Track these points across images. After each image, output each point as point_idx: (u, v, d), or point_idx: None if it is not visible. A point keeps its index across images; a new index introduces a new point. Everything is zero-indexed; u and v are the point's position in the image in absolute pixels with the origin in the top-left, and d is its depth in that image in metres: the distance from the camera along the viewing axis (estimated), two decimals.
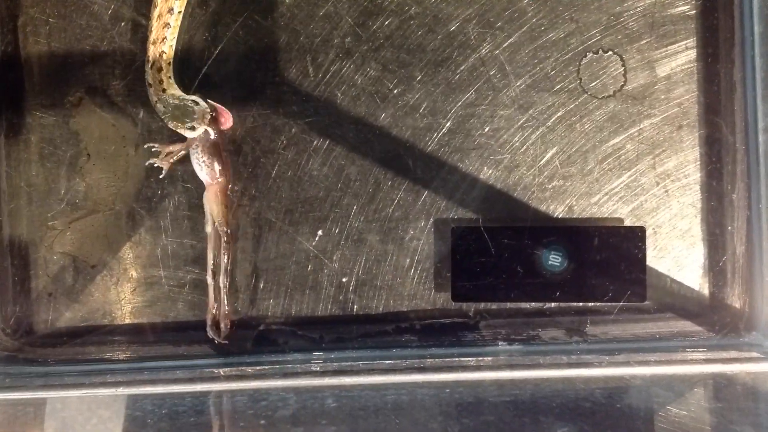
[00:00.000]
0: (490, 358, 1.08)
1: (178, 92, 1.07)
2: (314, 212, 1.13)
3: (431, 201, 1.12)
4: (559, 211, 1.12)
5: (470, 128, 1.12)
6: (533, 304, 1.11)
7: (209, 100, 1.07)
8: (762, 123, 1.05)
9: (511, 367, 1.06)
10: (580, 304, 1.10)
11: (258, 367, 1.08)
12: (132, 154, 1.11)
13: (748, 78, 1.07)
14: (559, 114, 1.12)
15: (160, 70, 1.09)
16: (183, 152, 1.09)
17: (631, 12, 1.12)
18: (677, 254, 1.11)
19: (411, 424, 0.97)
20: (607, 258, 1.08)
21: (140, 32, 1.11)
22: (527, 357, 1.08)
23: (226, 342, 1.10)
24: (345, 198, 1.13)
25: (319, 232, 1.13)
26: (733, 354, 1.06)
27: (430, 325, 1.12)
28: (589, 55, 1.12)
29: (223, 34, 1.12)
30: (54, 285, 1.12)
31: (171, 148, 1.10)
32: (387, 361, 1.08)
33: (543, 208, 1.12)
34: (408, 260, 1.12)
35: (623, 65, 1.12)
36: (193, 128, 1.05)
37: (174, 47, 1.11)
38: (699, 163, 1.11)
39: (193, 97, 1.06)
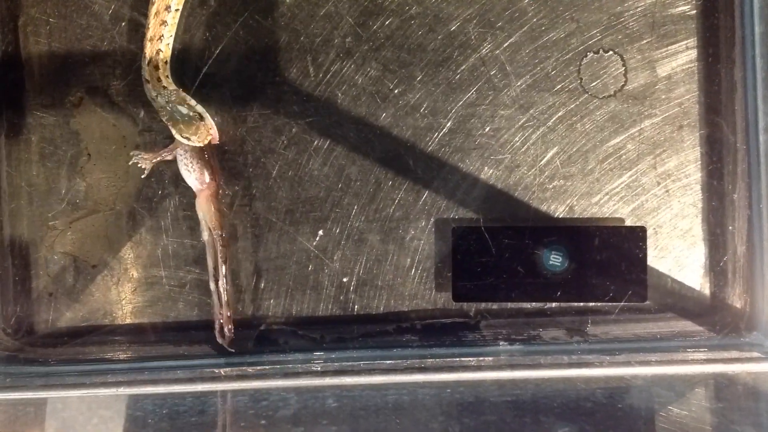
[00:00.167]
0: (491, 358, 1.08)
1: (189, 98, 1.06)
2: (315, 212, 1.12)
3: (432, 201, 1.12)
4: (559, 211, 1.12)
5: (471, 128, 1.12)
6: (534, 304, 1.11)
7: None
8: (762, 123, 1.05)
9: (512, 367, 1.06)
10: (581, 304, 1.10)
11: (259, 367, 1.08)
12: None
13: (748, 78, 1.07)
14: (559, 114, 1.12)
15: (156, 68, 1.09)
16: (168, 156, 1.09)
17: (631, 12, 1.11)
18: (678, 254, 1.11)
19: (412, 423, 0.97)
20: (608, 258, 1.08)
21: (141, 32, 1.11)
22: (528, 357, 1.08)
23: (232, 351, 1.09)
24: (346, 198, 1.13)
25: (320, 232, 1.13)
26: (734, 354, 1.06)
27: (430, 325, 1.12)
28: (590, 54, 1.12)
29: (223, 33, 1.12)
30: (55, 285, 1.12)
31: (157, 156, 1.09)
32: (388, 361, 1.08)
33: (544, 208, 1.12)
34: (409, 260, 1.12)
35: (624, 65, 1.12)
36: (188, 139, 1.04)
37: (171, 46, 1.11)
38: (700, 162, 1.11)
39: (201, 110, 1.06)
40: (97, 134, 1.12)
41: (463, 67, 1.12)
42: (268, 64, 1.12)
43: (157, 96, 1.08)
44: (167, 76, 1.09)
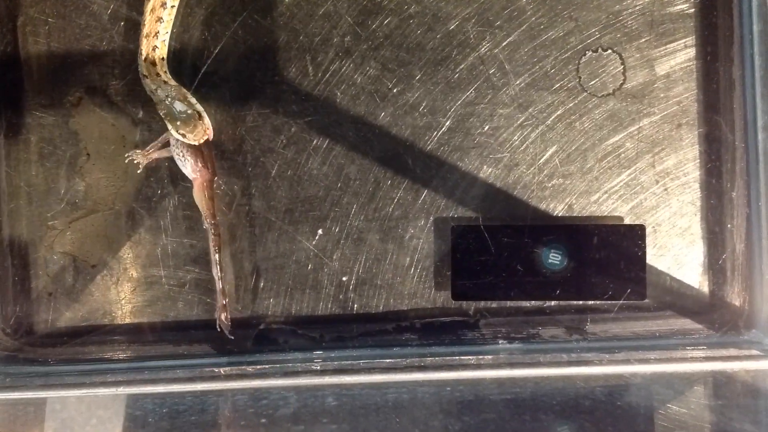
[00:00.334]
0: (490, 357, 1.08)
1: (189, 96, 1.06)
2: (314, 211, 1.13)
3: (431, 200, 1.12)
4: (558, 209, 1.12)
5: (470, 127, 1.12)
6: (533, 302, 1.11)
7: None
8: (761, 121, 1.05)
9: (512, 365, 1.06)
10: (580, 302, 1.11)
11: (258, 366, 1.08)
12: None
13: (747, 76, 1.07)
14: (558, 112, 1.12)
15: (154, 64, 1.09)
16: (164, 152, 1.09)
17: (630, 10, 1.12)
18: (677, 252, 1.11)
19: (411, 422, 0.97)
20: (607, 256, 1.08)
21: (139, 30, 1.11)
22: (527, 355, 1.08)
23: (231, 337, 1.09)
24: (345, 197, 1.13)
25: (319, 231, 1.13)
26: (733, 352, 1.06)
27: (430, 324, 1.12)
28: (589, 53, 1.12)
29: (222, 33, 1.12)
30: (54, 285, 1.12)
31: (151, 154, 1.10)
32: (387, 360, 1.08)
33: (543, 206, 1.12)
34: (408, 259, 1.12)
35: (622, 64, 1.12)
36: (183, 136, 1.04)
37: (167, 42, 1.11)
38: (698, 161, 1.11)
39: (200, 109, 1.06)
40: (96, 134, 1.12)
41: (462, 66, 1.12)
42: (267, 64, 1.12)
43: (156, 89, 1.08)
44: (165, 72, 1.09)
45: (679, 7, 1.11)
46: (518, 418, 0.98)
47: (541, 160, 1.12)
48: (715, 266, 1.10)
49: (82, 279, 1.13)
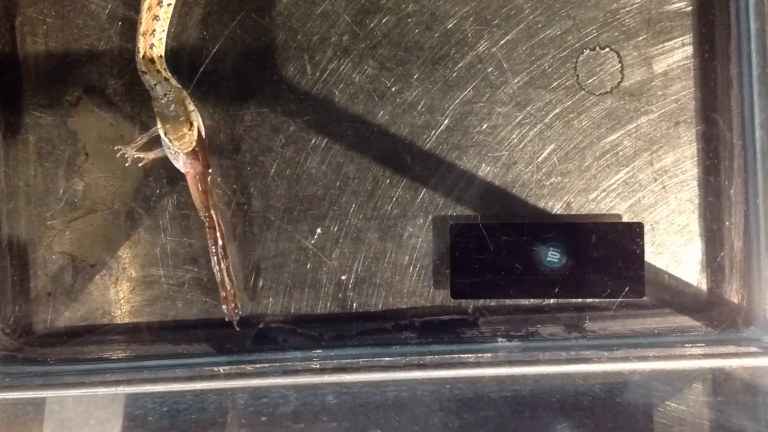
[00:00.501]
0: (489, 355, 1.08)
1: (188, 101, 1.06)
2: (313, 210, 1.13)
3: (429, 198, 1.13)
4: (557, 207, 1.12)
5: (468, 125, 1.13)
6: (532, 300, 1.11)
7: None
8: (759, 119, 1.06)
9: (511, 363, 1.06)
10: (579, 300, 1.11)
11: (258, 365, 1.08)
12: (131, 154, 1.11)
13: (744, 74, 1.07)
14: (556, 111, 1.12)
15: (152, 61, 1.09)
16: (159, 152, 1.09)
17: (627, 9, 1.12)
18: (675, 250, 1.12)
19: (411, 420, 0.98)
20: (606, 254, 1.09)
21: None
22: (526, 353, 1.08)
23: (237, 328, 1.09)
24: (343, 196, 1.13)
25: (318, 230, 1.13)
26: (732, 349, 1.06)
27: (429, 322, 1.12)
28: (586, 51, 1.12)
29: (220, 32, 1.12)
30: (53, 284, 1.12)
31: (137, 142, 1.10)
32: (387, 358, 1.08)
33: (541, 204, 1.12)
34: (407, 258, 1.13)
35: (620, 62, 1.12)
36: (169, 140, 1.04)
37: (164, 41, 1.11)
38: (696, 159, 1.11)
39: (195, 119, 1.05)
40: (95, 134, 1.12)
41: (460, 64, 1.12)
42: (266, 63, 1.12)
43: (156, 85, 1.07)
44: (165, 69, 1.09)
45: (676, 5, 1.12)
46: (518, 415, 0.98)
47: (539, 159, 1.13)
48: (713, 264, 1.11)
49: (81, 279, 1.13)
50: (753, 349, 1.06)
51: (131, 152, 1.09)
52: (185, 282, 1.13)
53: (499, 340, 1.11)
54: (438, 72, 1.12)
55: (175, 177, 1.12)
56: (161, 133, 1.06)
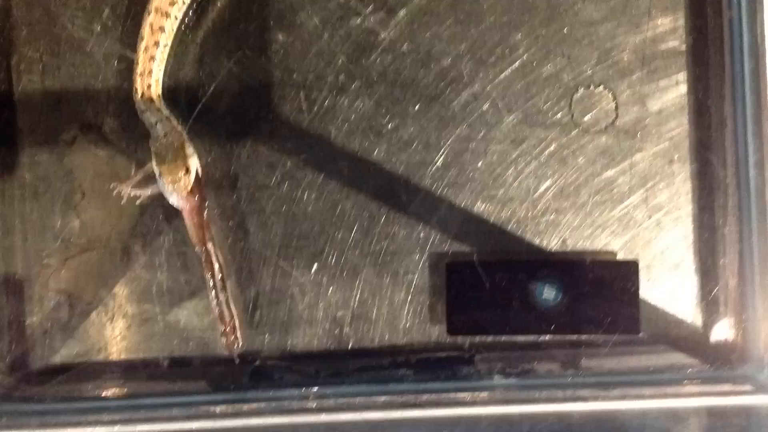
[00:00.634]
0: (485, 393, 1.08)
1: (187, 146, 1.06)
2: (309, 247, 1.13)
3: (426, 235, 1.13)
4: (552, 244, 1.13)
5: (464, 163, 1.13)
6: (528, 336, 1.12)
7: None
8: (753, 159, 1.06)
9: (507, 402, 1.06)
10: (575, 337, 1.11)
11: (254, 404, 1.08)
12: (126, 192, 1.11)
13: (738, 114, 1.08)
14: (551, 148, 1.13)
15: (151, 100, 1.09)
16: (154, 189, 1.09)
17: (622, 47, 1.13)
18: (670, 287, 1.12)
19: None
20: (601, 291, 1.09)
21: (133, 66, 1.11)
22: (523, 392, 1.08)
23: (237, 361, 1.10)
24: (340, 232, 1.13)
25: (315, 267, 1.13)
26: (727, 387, 1.07)
27: (425, 359, 1.12)
28: (581, 89, 1.13)
29: (217, 70, 1.12)
30: (49, 322, 1.12)
31: (132, 180, 1.10)
32: (383, 397, 1.09)
33: (537, 241, 1.13)
34: (403, 294, 1.13)
35: (615, 100, 1.13)
36: (163, 183, 1.04)
37: (161, 81, 1.11)
38: (691, 196, 1.12)
39: (192, 165, 1.05)
40: (91, 172, 1.12)
41: (456, 102, 1.13)
42: (262, 101, 1.13)
43: (157, 123, 1.07)
44: (165, 107, 1.09)
45: (670, 44, 1.12)
46: None
47: (534, 195, 1.13)
48: (707, 301, 1.11)
49: (77, 316, 1.13)
50: (748, 387, 1.06)
51: (127, 190, 1.10)
52: (181, 319, 1.13)
53: (496, 377, 1.11)
54: (434, 110, 1.13)
55: (171, 215, 1.12)
56: (156, 173, 1.06)
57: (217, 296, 1.09)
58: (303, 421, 1.05)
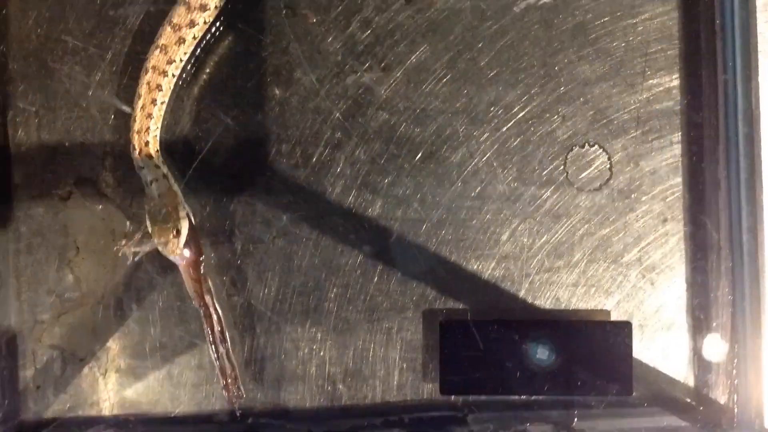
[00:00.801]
0: None
1: (181, 208, 1.07)
2: (303, 303, 1.13)
3: (420, 293, 1.13)
4: (546, 302, 1.13)
5: (458, 220, 1.13)
6: (522, 396, 1.12)
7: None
8: (746, 223, 1.07)
9: None
10: (568, 397, 1.11)
11: None
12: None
13: (732, 177, 1.08)
14: (546, 206, 1.13)
15: (150, 157, 1.09)
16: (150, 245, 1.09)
17: (617, 107, 1.13)
18: (663, 347, 1.13)
19: None
20: (594, 352, 1.09)
21: (129, 124, 1.11)
22: None
23: (238, 413, 1.11)
24: (334, 289, 1.13)
25: (308, 323, 1.13)
26: None
27: (418, 419, 1.12)
28: (576, 148, 1.13)
29: (213, 126, 1.13)
30: (42, 377, 1.12)
31: (135, 240, 1.10)
32: None
33: (530, 300, 1.13)
34: (396, 352, 1.13)
35: (609, 159, 1.13)
36: (156, 242, 1.04)
37: (158, 137, 1.11)
38: (684, 257, 1.13)
39: (182, 227, 1.05)
40: (86, 228, 1.12)
41: (451, 160, 1.13)
42: (258, 156, 1.13)
43: (152, 182, 1.08)
44: (164, 163, 1.09)
45: (665, 104, 1.13)
46: None
47: (528, 253, 1.13)
48: (701, 363, 1.12)
49: (70, 371, 1.12)
50: None
51: (130, 250, 1.10)
52: (174, 375, 1.13)
53: None
54: (429, 167, 1.13)
55: (165, 270, 1.12)
56: (149, 229, 1.06)
57: (217, 349, 1.09)
58: None
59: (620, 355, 1.09)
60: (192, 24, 1.09)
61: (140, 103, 1.09)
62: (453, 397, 1.12)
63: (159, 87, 1.09)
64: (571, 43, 1.13)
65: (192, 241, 1.09)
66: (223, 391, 1.10)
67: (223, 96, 1.13)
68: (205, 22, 1.10)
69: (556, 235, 1.13)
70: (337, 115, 1.13)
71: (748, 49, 1.08)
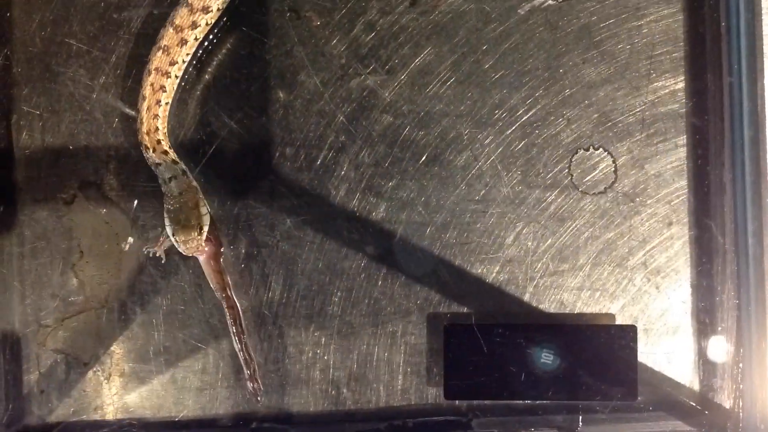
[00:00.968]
0: None
1: (202, 205, 1.07)
2: (307, 306, 1.13)
3: (424, 296, 1.13)
4: (550, 307, 1.13)
5: (463, 224, 1.13)
6: (526, 401, 1.11)
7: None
8: (751, 227, 1.06)
9: None
10: (573, 402, 1.11)
11: None
12: (125, 251, 1.11)
13: (737, 181, 1.08)
14: (550, 210, 1.13)
15: (165, 153, 1.09)
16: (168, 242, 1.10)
17: (621, 110, 1.13)
18: (668, 351, 1.12)
19: None
20: (599, 357, 1.09)
21: (134, 126, 1.11)
22: None
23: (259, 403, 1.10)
24: (338, 292, 1.13)
25: (312, 327, 1.13)
26: None
27: (423, 423, 1.12)
28: (581, 151, 1.13)
29: (218, 129, 1.12)
30: (46, 381, 1.12)
31: (162, 239, 1.10)
32: None
33: (535, 304, 1.13)
34: (400, 356, 1.13)
35: (614, 162, 1.13)
36: (176, 241, 1.05)
37: (167, 134, 1.11)
38: (689, 261, 1.12)
39: (205, 224, 1.05)
40: (90, 231, 1.12)
41: (455, 163, 1.13)
42: (262, 159, 1.13)
43: (171, 180, 1.07)
44: (179, 160, 1.09)
45: (670, 107, 1.13)
46: None
47: (533, 257, 1.13)
48: (706, 367, 1.11)
49: (74, 375, 1.12)
50: None
51: (161, 250, 1.10)
52: (177, 378, 1.12)
53: None
54: (433, 170, 1.13)
55: (169, 273, 1.12)
56: (168, 231, 1.06)
57: (240, 340, 1.09)
58: None
59: (625, 359, 1.09)
60: (194, 25, 1.09)
61: (146, 104, 1.09)
62: (457, 401, 1.12)
63: (162, 88, 1.08)
64: (576, 46, 1.13)
65: (212, 233, 1.09)
66: (248, 383, 1.09)
67: (226, 99, 1.13)
68: (207, 24, 1.10)
69: (560, 239, 1.13)
70: (341, 118, 1.13)
71: (753, 52, 1.07)
